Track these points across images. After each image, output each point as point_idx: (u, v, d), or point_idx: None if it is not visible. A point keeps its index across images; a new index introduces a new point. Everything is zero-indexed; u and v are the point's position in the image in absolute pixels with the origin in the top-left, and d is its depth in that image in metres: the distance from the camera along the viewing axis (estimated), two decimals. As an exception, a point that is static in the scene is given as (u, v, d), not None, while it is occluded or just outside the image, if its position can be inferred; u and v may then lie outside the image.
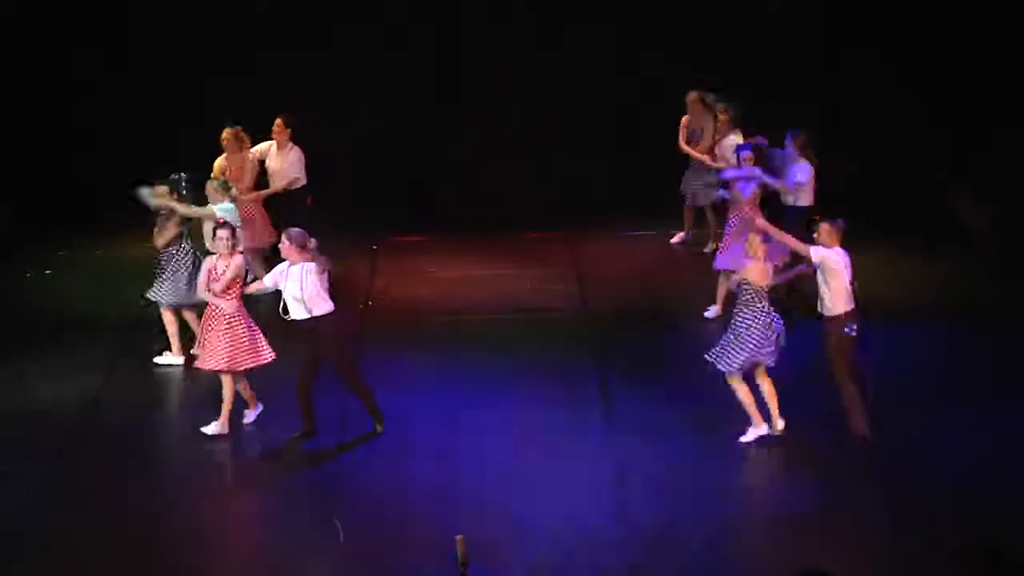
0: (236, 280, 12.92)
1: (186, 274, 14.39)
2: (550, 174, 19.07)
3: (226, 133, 16.03)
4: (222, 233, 13.01)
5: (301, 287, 12.59)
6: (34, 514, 11.80)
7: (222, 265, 12.95)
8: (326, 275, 12.71)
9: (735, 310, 12.67)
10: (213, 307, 12.98)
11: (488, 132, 19.36)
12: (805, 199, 15.36)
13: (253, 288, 12.92)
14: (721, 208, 16.18)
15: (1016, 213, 17.76)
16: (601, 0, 19.40)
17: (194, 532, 11.66)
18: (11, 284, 16.90)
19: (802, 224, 14.56)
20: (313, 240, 12.73)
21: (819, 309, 12.74)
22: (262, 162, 16.29)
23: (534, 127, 19.26)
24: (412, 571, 11.02)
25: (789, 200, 15.39)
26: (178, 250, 14.43)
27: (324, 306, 12.69)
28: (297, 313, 12.66)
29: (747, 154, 14.75)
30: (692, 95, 16.88)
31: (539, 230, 18.23)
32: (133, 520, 11.76)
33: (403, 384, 13.92)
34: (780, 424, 12.79)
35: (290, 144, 16.30)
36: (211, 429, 12.96)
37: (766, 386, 12.75)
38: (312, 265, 12.62)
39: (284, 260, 12.75)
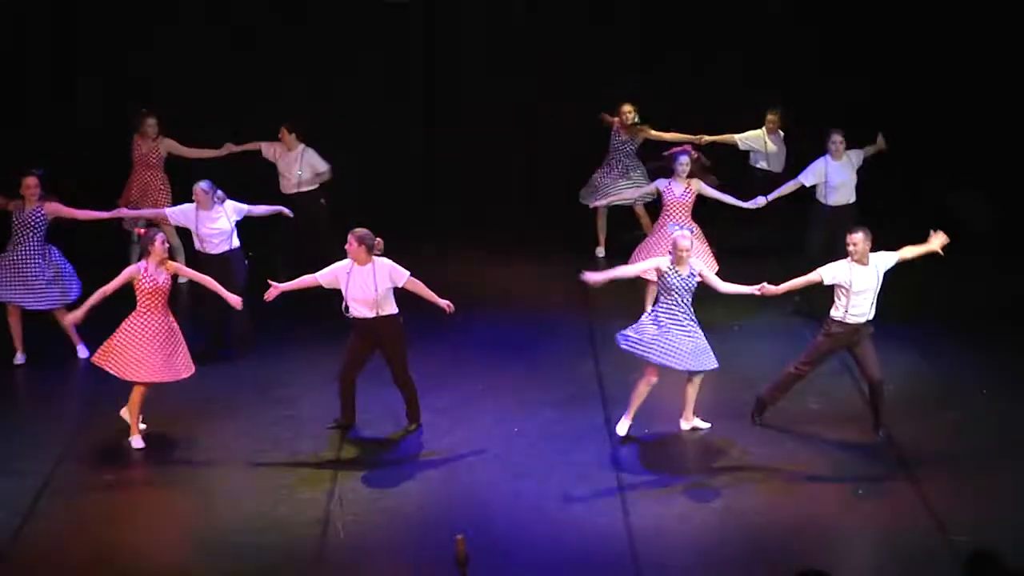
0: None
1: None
2: (551, 172, 19.04)
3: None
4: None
5: (376, 288, 12.62)
6: (34, 514, 11.77)
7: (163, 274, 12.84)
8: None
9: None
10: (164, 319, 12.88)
11: (489, 131, 19.34)
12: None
13: (299, 284, 12.85)
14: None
15: (1016, 213, 17.79)
16: (601, 0, 19.42)
17: (187, 533, 11.67)
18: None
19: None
20: (379, 240, 12.77)
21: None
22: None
23: (535, 126, 19.25)
24: (412, 570, 11.02)
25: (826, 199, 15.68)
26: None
27: (391, 307, 12.75)
28: (363, 312, 12.69)
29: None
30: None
31: (539, 228, 18.25)
32: (131, 520, 11.77)
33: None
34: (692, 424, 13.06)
35: (301, 145, 16.50)
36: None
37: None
38: (385, 263, 12.66)
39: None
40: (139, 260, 13.06)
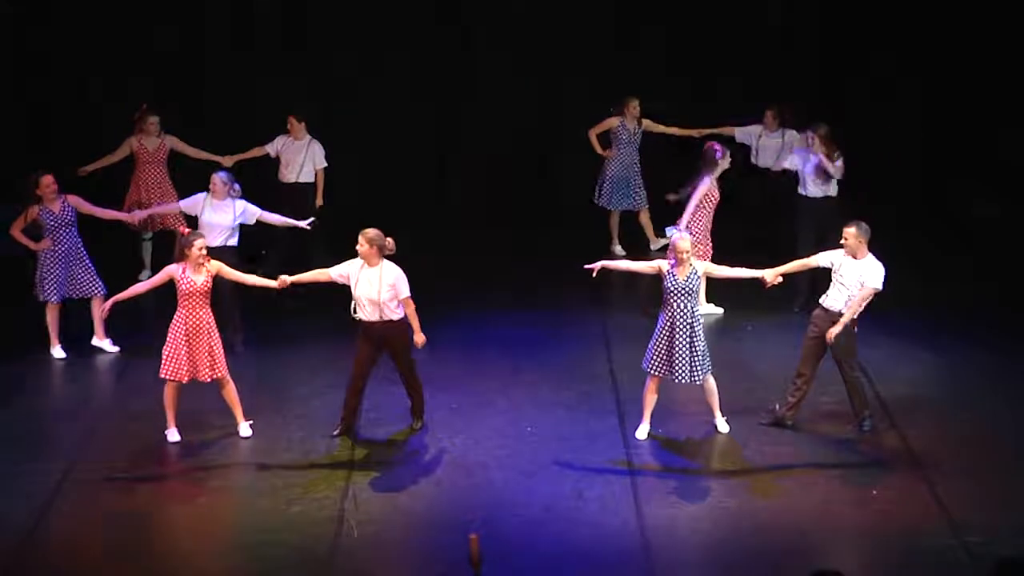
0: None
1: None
2: (560, 171, 19.07)
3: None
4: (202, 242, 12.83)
5: (379, 291, 12.59)
6: (50, 512, 11.75)
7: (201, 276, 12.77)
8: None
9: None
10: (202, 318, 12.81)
11: (495, 130, 19.35)
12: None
13: (311, 277, 12.82)
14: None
15: (1016, 213, 17.83)
16: (606, 1, 19.42)
17: (201, 531, 11.66)
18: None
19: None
20: (390, 240, 12.70)
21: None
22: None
23: (541, 125, 19.27)
24: (426, 570, 11.01)
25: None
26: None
27: (396, 313, 12.67)
28: (368, 315, 12.66)
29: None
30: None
31: (550, 227, 18.26)
32: (145, 519, 11.77)
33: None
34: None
35: (308, 137, 16.56)
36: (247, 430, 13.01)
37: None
38: (393, 271, 12.60)
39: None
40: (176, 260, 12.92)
